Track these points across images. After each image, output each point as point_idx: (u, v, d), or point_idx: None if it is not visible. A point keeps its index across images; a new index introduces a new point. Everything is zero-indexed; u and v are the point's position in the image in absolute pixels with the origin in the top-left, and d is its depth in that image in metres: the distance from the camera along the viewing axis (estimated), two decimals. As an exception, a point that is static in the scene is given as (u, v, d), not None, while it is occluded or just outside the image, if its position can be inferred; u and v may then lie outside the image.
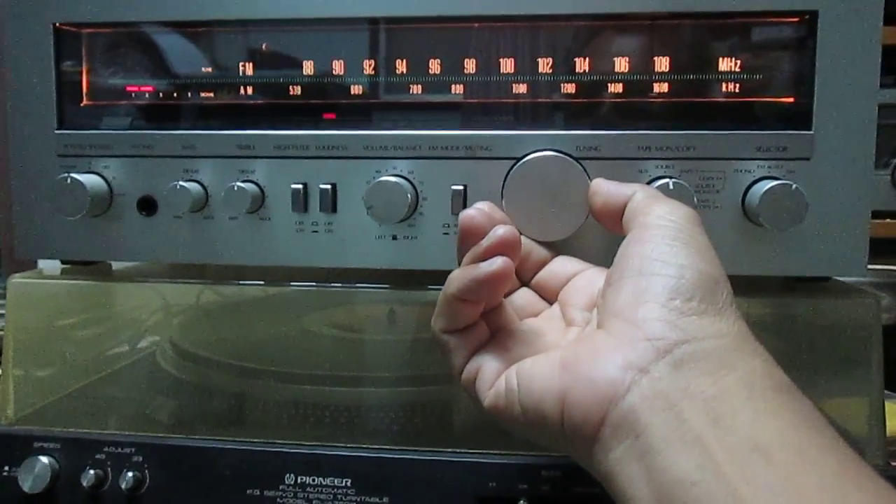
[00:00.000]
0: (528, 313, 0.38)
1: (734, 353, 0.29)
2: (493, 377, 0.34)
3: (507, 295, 0.39)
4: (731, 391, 0.27)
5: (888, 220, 0.83)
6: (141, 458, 0.44)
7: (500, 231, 0.34)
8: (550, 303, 0.39)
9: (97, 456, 0.44)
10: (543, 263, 0.40)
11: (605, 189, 0.38)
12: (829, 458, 0.26)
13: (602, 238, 0.41)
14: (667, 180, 0.40)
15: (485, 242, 0.34)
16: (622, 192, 0.36)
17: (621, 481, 0.28)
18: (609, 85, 0.42)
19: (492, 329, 0.36)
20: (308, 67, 0.44)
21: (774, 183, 0.39)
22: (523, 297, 0.39)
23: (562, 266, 0.39)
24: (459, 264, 0.36)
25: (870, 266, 0.42)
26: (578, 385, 0.30)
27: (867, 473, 0.26)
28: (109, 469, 0.44)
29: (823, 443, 0.26)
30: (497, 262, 0.33)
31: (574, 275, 0.38)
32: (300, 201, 0.44)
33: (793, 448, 0.26)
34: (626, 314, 0.30)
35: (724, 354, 0.28)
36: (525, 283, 0.40)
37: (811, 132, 0.41)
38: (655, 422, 0.27)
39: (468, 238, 0.35)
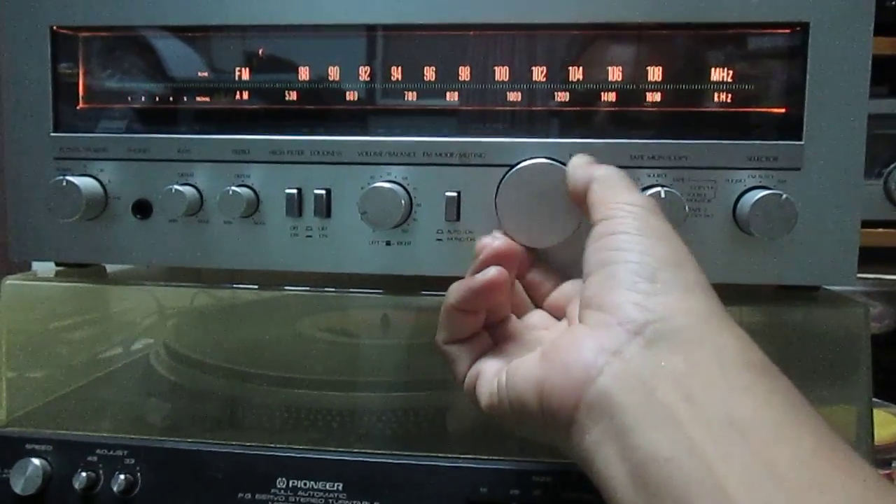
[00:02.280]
0: (539, 329, 0.39)
1: (705, 329, 0.29)
2: (490, 379, 0.35)
3: (521, 316, 0.40)
4: (703, 367, 0.28)
5: (880, 230, 0.84)
6: (133, 461, 0.44)
7: (496, 243, 0.36)
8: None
9: (89, 458, 0.44)
10: (554, 287, 0.41)
11: (571, 176, 0.38)
12: (804, 434, 0.26)
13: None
14: (658, 189, 0.40)
15: (482, 255, 0.36)
16: (583, 177, 0.37)
17: (598, 462, 0.29)
18: (602, 94, 0.43)
19: (496, 341, 0.38)
20: (304, 73, 0.45)
21: (765, 192, 0.40)
22: (536, 318, 0.40)
23: (572, 286, 0.40)
24: None
25: (862, 275, 0.42)
26: (554, 372, 0.31)
27: (843, 450, 0.26)
28: (101, 471, 0.44)
29: (799, 419, 0.27)
30: (491, 272, 0.34)
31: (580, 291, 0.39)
32: (294, 206, 0.44)
33: (767, 423, 0.26)
34: (597, 303, 0.31)
35: (693, 331, 0.29)
36: (538, 305, 0.41)
37: (802, 143, 0.41)
38: (628, 401, 0.28)
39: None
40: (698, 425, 0.26)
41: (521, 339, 0.37)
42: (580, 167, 0.38)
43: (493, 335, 0.38)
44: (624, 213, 0.33)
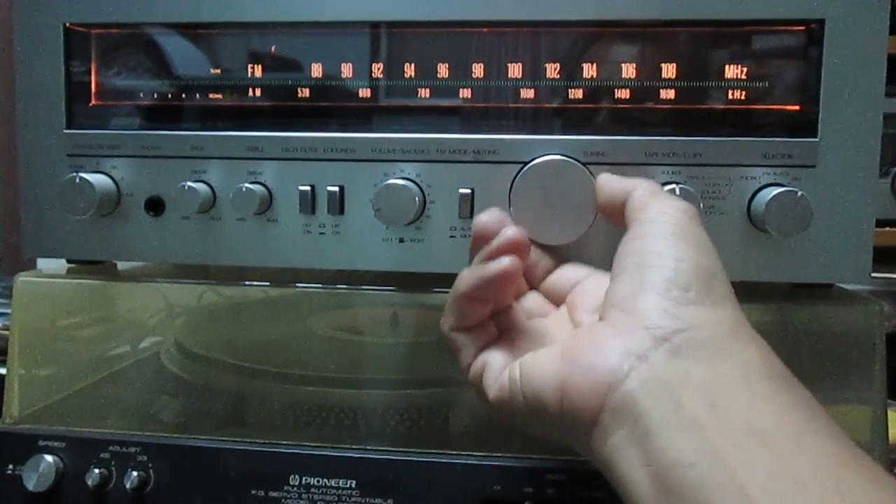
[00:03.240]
0: (536, 315, 0.39)
1: (731, 341, 0.29)
2: (498, 371, 0.34)
3: (516, 298, 0.39)
4: (728, 377, 0.28)
5: (887, 229, 0.83)
6: (146, 458, 0.44)
7: (509, 232, 0.35)
8: (558, 306, 0.39)
9: (102, 455, 0.44)
10: (552, 269, 0.40)
11: (607, 186, 0.38)
12: (825, 442, 0.26)
13: (609, 241, 0.41)
14: (673, 186, 0.40)
15: (494, 242, 0.35)
16: (623, 187, 0.37)
17: (620, 466, 0.29)
18: (616, 91, 0.43)
19: (500, 329, 0.37)
20: (317, 70, 0.45)
21: (780, 190, 0.40)
22: (532, 301, 0.40)
23: (570, 271, 0.40)
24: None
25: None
26: (578, 372, 0.30)
27: (862, 457, 0.26)
28: (114, 468, 0.44)
29: (819, 428, 0.27)
30: (504, 261, 0.33)
31: (582, 279, 0.39)
32: (308, 203, 0.44)
33: (789, 432, 0.26)
34: (626, 305, 0.31)
35: (720, 342, 0.29)
36: (534, 287, 0.41)
37: (817, 140, 0.41)
38: (653, 406, 0.28)
39: (480, 241, 0.36)
40: (722, 433, 0.26)
41: (525, 327, 0.37)
42: (616, 181, 0.38)
43: (497, 322, 0.37)
44: (664, 218, 0.33)
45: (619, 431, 0.29)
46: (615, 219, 0.38)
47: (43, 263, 0.55)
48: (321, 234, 0.44)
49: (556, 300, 0.39)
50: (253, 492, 0.43)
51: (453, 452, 0.43)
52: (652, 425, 0.28)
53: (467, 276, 0.35)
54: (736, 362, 0.28)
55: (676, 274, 0.30)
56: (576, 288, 0.39)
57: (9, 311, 0.50)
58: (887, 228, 0.83)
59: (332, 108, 0.45)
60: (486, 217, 0.37)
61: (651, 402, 0.28)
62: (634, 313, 0.30)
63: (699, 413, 0.27)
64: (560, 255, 0.41)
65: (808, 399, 0.28)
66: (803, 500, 0.24)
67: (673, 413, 0.27)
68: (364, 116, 0.44)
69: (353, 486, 0.42)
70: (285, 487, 0.43)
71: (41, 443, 0.45)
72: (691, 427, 0.27)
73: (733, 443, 0.26)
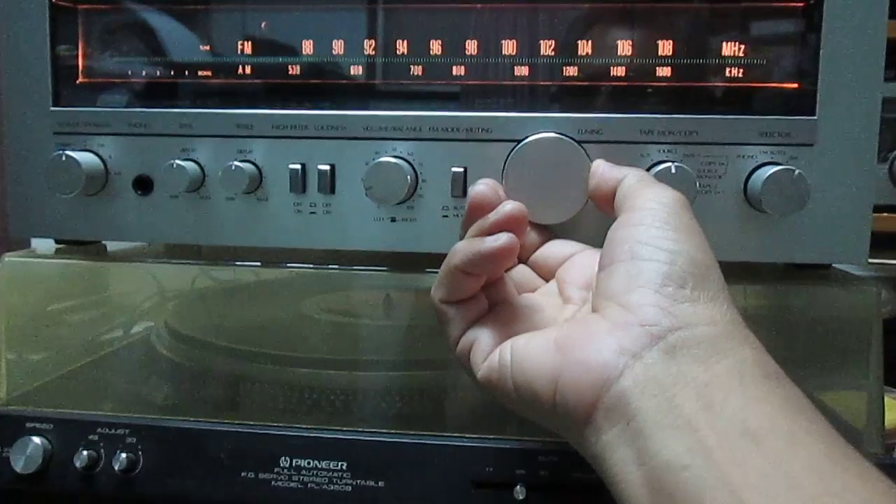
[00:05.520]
0: (525, 289, 0.38)
1: (726, 341, 0.29)
2: (487, 350, 0.34)
3: (507, 270, 0.39)
4: (723, 378, 0.28)
5: (885, 214, 0.83)
6: (135, 440, 0.44)
7: (509, 207, 0.34)
8: (547, 281, 0.39)
9: (90, 437, 0.44)
10: (541, 243, 0.40)
11: (599, 172, 0.38)
12: (817, 442, 0.26)
13: (602, 222, 0.40)
14: (669, 164, 0.40)
15: (492, 217, 0.34)
16: (614, 175, 0.36)
17: (612, 464, 0.28)
18: (612, 68, 0.42)
19: (491, 303, 0.36)
20: (308, 47, 0.44)
21: (777, 168, 0.39)
22: (521, 273, 0.39)
23: (559, 247, 0.39)
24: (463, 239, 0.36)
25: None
26: (572, 367, 0.30)
27: (855, 457, 0.26)
28: (103, 450, 0.44)
29: (812, 428, 0.27)
30: (503, 238, 0.33)
31: (571, 255, 0.38)
32: (298, 182, 0.43)
33: (782, 433, 0.26)
34: (620, 299, 0.30)
35: (715, 342, 0.29)
36: (522, 261, 0.40)
37: (815, 118, 0.40)
38: (647, 406, 0.27)
39: (476, 213, 0.35)
40: (716, 434, 0.26)
41: (515, 303, 0.36)
42: (608, 169, 0.37)
43: (487, 295, 0.36)
44: (656, 206, 0.32)
45: (612, 429, 0.28)
46: (604, 206, 0.37)
47: (37, 244, 0.54)
48: (312, 213, 0.44)
49: (545, 274, 0.39)
50: (243, 474, 0.43)
51: (445, 435, 0.42)
52: (645, 426, 0.27)
53: (462, 250, 0.34)
54: (731, 362, 0.28)
55: (671, 268, 0.30)
56: (565, 263, 0.38)
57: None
58: (885, 214, 0.83)
59: (323, 85, 0.44)
60: (483, 188, 0.36)
61: (645, 402, 0.28)
62: (629, 308, 0.30)
63: (693, 414, 0.27)
64: (549, 230, 0.41)
65: (800, 397, 0.28)
66: (796, 500, 0.24)
67: (667, 414, 0.27)
68: (356, 94, 0.44)
69: (345, 467, 0.42)
70: (275, 469, 0.42)
71: (28, 425, 0.44)
72: (685, 428, 0.26)
73: (727, 444, 0.26)
